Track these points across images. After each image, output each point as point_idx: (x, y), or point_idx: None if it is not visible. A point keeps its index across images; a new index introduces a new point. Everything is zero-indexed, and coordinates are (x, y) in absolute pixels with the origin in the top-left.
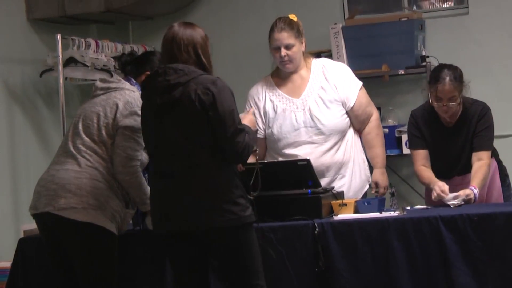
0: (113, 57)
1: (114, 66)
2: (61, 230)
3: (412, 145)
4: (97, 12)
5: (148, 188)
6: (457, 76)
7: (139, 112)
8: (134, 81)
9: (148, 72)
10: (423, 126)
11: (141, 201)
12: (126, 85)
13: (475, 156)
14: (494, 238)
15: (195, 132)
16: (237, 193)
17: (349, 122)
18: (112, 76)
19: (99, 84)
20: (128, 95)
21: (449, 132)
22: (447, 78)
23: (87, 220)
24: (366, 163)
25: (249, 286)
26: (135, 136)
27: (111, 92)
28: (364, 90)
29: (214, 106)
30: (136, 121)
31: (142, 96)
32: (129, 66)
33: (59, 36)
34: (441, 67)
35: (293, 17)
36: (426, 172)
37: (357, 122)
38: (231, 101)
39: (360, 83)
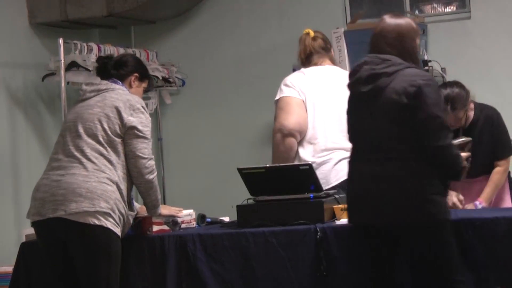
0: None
1: None
2: (70, 234)
3: None
4: (99, 16)
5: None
6: (459, 102)
7: (142, 108)
8: (120, 83)
9: (137, 75)
10: None
11: (157, 204)
12: (116, 86)
13: (495, 164)
14: (496, 244)
15: (396, 124)
16: (434, 190)
17: None
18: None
19: (87, 87)
20: (124, 94)
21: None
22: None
23: (98, 223)
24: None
25: (450, 282)
26: (145, 134)
27: (104, 93)
28: (278, 105)
29: (419, 100)
30: (141, 118)
31: (348, 85)
32: (112, 69)
33: (61, 41)
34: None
35: None
36: None
37: None
38: (437, 95)
39: (277, 97)
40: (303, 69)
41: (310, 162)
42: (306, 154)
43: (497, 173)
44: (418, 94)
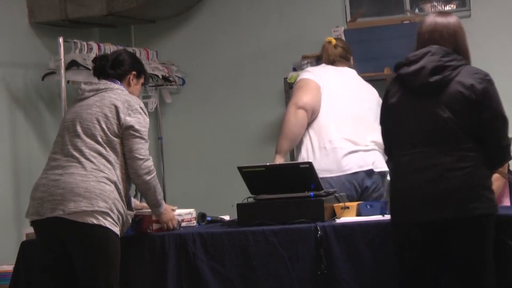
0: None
1: None
2: (69, 234)
3: None
4: (99, 15)
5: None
6: None
7: (140, 109)
8: (119, 82)
9: (135, 72)
10: None
11: (157, 203)
12: (115, 86)
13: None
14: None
15: (459, 117)
16: (490, 182)
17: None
18: None
19: (85, 87)
20: (123, 94)
21: None
22: None
23: (97, 222)
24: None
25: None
26: (142, 134)
27: (102, 93)
28: (297, 85)
29: (486, 98)
30: (139, 118)
31: (405, 74)
32: (109, 70)
33: (61, 40)
34: None
35: None
36: None
37: None
38: (499, 96)
39: (297, 80)
40: (323, 64)
41: (322, 147)
42: (318, 138)
43: (496, 180)
44: (486, 92)
